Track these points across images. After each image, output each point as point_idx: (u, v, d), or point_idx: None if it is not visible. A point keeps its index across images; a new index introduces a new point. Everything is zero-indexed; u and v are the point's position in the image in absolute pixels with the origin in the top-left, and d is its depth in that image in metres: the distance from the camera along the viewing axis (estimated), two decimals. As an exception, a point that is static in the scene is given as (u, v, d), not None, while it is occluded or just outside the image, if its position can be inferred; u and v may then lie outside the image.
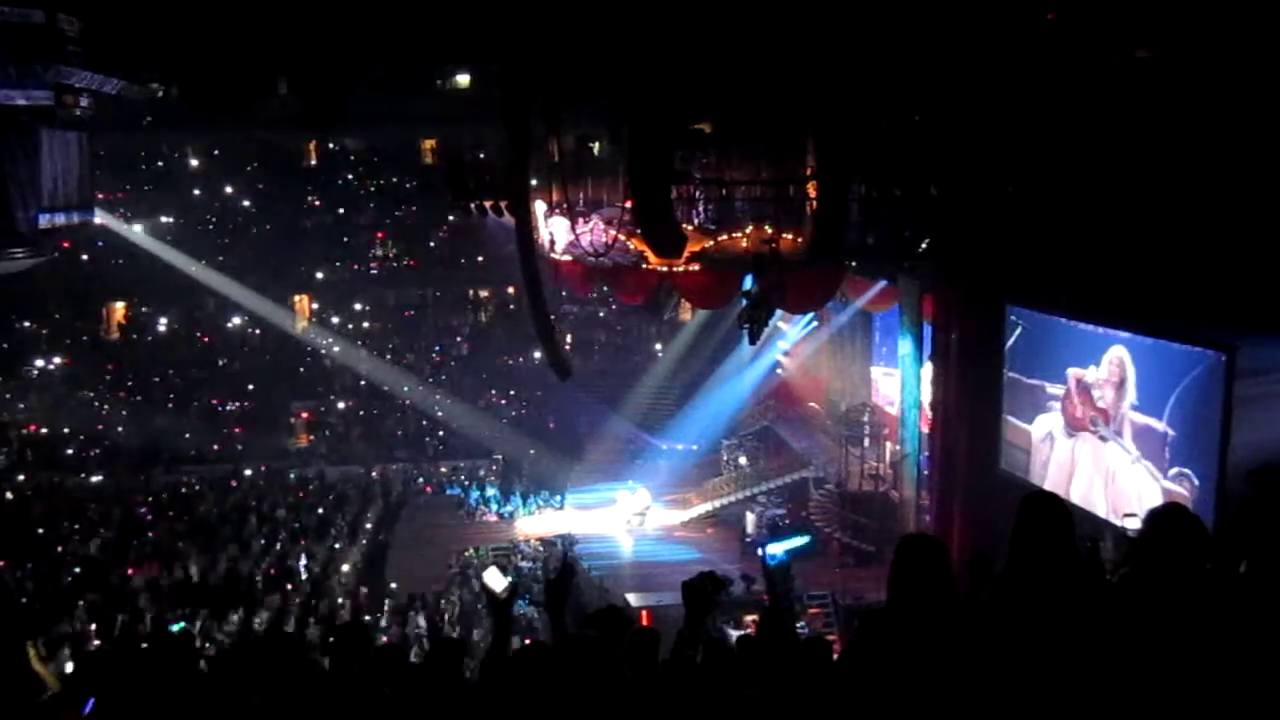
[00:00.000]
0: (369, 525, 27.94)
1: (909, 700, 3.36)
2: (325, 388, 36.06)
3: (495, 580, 4.47)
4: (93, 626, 18.95)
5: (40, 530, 25.43)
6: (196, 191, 38.70)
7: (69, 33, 16.03)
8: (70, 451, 31.57)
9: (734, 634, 13.81)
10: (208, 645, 17.85)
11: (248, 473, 30.91)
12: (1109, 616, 3.45)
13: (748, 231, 18.86)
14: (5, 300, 31.36)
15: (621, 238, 18.44)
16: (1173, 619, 3.32)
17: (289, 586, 22.41)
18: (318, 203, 39.56)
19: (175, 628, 16.70)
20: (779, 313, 20.82)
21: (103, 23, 16.20)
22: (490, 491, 29.95)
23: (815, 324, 27.95)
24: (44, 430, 32.15)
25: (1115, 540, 12.45)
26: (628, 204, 17.71)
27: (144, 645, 12.52)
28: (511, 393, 36.01)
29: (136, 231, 34.78)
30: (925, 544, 3.74)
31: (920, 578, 3.56)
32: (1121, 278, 13.55)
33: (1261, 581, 4.32)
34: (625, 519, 26.78)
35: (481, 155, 31.04)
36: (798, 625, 19.33)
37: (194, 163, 39.22)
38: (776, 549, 15.75)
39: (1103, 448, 14.72)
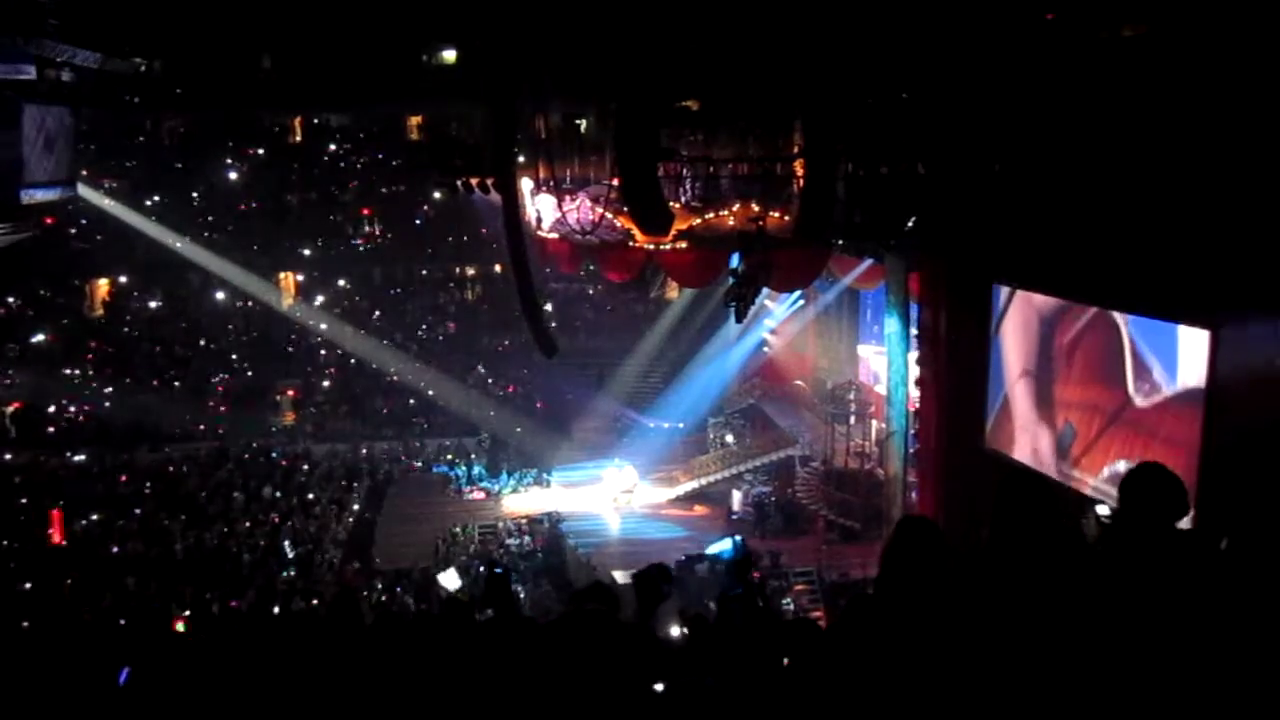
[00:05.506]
0: (355, 503, 27.95)
1: (896, 679, 3.38)
2: (311, 365, 35.94)
3: (450, 581, 4.24)
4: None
5: (24, 502, 25.37)
6: (180, 166, 38.39)
7: (49, 6, 15.86)
8: (54, 429, 31.41)
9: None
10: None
11: (236, 448, 30.82)
12: (1090, 583, 3.48)
13: (734, 209, 18.83)
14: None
15: (608, 215, 18.39)
16: (1152, 583, 3.36)
17: (275, 564, 22.40)
18: (303, 179, 39.28)
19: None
20: (765, 291, 20.82)
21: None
22: (477, 469, 29.97)
23: (802, 302, 27.99)
24: (28, 407, 31.93)
25: (1098, 516, 12.56)
26: (614, 181, 17.65)
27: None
28: (498, 370, 35.97)
29: (120, 207, 34.50)
30: (922, 526, 3.74)
31: (916, 561, 3.57)
32: (1108, 256, 13.56)
33: (1242, 555, 4.36)
34: (612, 497, 26.79)
35: (467, 132, 30.93)
36: (783, 603, 19.49)
37: (178, 138, 38.86)
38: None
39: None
